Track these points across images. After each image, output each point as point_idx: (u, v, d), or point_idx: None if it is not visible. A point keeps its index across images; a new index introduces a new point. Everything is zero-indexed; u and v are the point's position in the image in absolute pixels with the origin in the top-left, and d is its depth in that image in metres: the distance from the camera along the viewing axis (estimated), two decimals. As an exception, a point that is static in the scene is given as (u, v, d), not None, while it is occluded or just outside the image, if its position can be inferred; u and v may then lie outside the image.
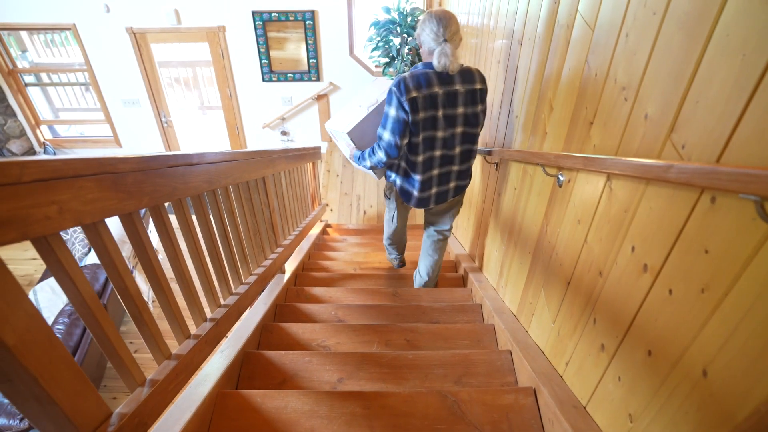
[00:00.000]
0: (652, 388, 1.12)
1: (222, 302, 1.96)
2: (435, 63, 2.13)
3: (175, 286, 1.55)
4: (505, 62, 2.57)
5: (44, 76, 7.61)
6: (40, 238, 0.91)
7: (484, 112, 2.34)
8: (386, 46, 5.55)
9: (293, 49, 6.50)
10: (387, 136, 2.27)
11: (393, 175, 2.60)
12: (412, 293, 3.00)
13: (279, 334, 2.37)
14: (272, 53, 6.50)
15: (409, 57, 5.53)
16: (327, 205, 5.85)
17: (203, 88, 8.21)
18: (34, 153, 7.34)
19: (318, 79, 6.70)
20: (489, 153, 2.79)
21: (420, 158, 2.36)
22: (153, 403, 1.29)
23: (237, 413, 1.73)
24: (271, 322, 2.49)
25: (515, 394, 1.79)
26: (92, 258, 4.82)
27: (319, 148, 4.92)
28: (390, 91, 2.20)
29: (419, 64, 2.24)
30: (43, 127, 7.38)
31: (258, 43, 6.41)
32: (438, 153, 2.37)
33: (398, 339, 2.35)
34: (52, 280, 4.59)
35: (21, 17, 6.24)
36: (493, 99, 2.86)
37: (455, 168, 2.48)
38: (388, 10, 5.36)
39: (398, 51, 5.53)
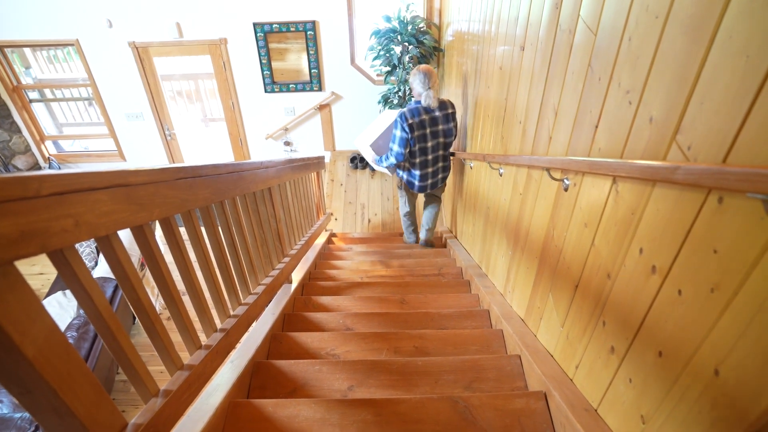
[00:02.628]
0: (664, 389, 1.12)
1: (232, 312, 1.97)
2: (422, 102, 3.62)
3: (185, 298, 1.56)
4: (507, 68, 2.59)
5: (48, 92, 7.67)
6: (56, 251, 0.92)
7: (455, 126, 3.84)
8: (387, 55, 5.58)
9: (295, 60, 6.53)
10: (396, 148, 3.77)
11: (401, 173, 4.10)
12: (420, 300, 3.00)
13: (288, 343, 2.38)
14: (274, 64, 6.54)
15: (411, 65, 5.55)
16: (332, 214, 5.87)
17: (206, 101, 8.26)
18: (39, 168, 7.38)
19: (320, 89, 6.73)
20: (492, 158, 2.80)
21: (417, 160, 3.88)
22: (167, 414, 1.29)
23: (249, 423, 1.73)
24: (280, 332, 2.50)
25: (526, 399, 1.79)
26: (98, 272, 4.84)
27: (322, 157, 4.94)
28: (396, 121, 3.70)
29: (413, 102, 3.69)
30: (48, 143, 7.43)
31: (259, 55, 6.45)
32: (429, 156, 3.88)
33: (407, 346, 2.35)
34: (59, 295, 4.62)
35: (24, 34, 6.30)
36: (496, 106, 2.88)
37: (440, 165, 4.01)
38: (388, 19, 5.39)
39: (399, 59, 5.56)
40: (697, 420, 1.00)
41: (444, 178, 4.13)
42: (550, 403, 1.75)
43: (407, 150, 3.73)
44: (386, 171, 4.16)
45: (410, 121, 3.60)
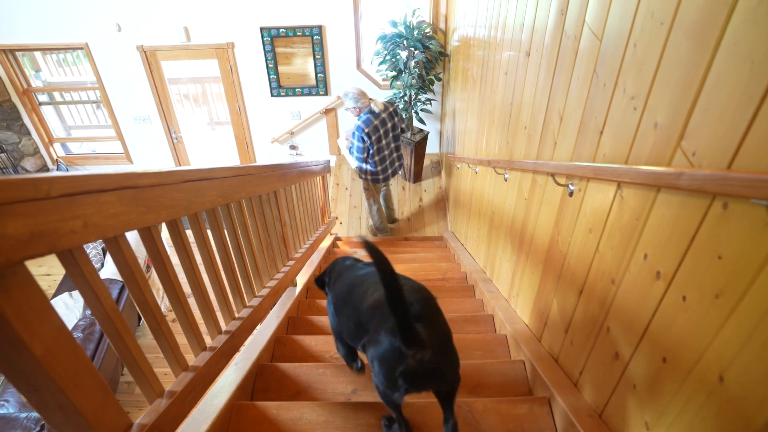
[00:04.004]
0: (668, 396, 1.12)
1: (236, 315, 1.98)
2: (373, 108, 4.48)
3: (191, 299, 1.57)
4: (513, 73, 2.59)
5: (57, 95, 7.73)
6: (65, 252, 0.93)
7: (401, 120, 4.89)
8: (393, 60, 5.59)
9: (301, 64, 6.56)
10: (356, 154, 4.68)
11: (365, 166, 4.80)
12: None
13: (292, 346, 2.38)
14: (280, 68, 6.57)
15: (416, 70, 5.57)
16: (336, 218, 5.88)
17: (212, 104, 8.30)
18: (48, 170, 7.43)
19: (326, 93, 6.75)
20: (498, 163, 2.80)
21: (377, 158, 4.72)
22: (172, 414, 1.30)
23: (253, 425, 1.74)
24: (284, 335, 2.50)
25: (530, 404, 1.79)
26: (104, 273, 4.86)
27: (328, 161, 4.96)
28: (354, 134, 4.54)
29: (363, 114, 4.49)
30: (56, 145, 7.49)
31: (266, 59, 6.48)
32: (386, 152, 4.78)
33: (411, 350, 2.34)
34: (65, 296, 4.64)
35: (35, 38, 6.36)
36: (501, 111, 2.88)
37: (395, 155, 4.96)
38: (394, 24, 5.41)
39: (405, 64, 5.57)
40: (701, 427, 1.00)
41: (400, 166, 5.13)
42: (553, 408, 1.74)
43: (366, 154, 4.63)
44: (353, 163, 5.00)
45: (366, 131, 4.42)
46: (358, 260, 2.02)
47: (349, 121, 6.99)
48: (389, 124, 4.64)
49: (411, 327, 1.19)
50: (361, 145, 4.53)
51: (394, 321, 1.19)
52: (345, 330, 1.74)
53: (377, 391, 1.46)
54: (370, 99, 4.52)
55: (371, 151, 4.61)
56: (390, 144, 4.77)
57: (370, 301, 1.54)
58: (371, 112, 4.48)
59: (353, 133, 4.53)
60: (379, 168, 4.81)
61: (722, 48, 0.94)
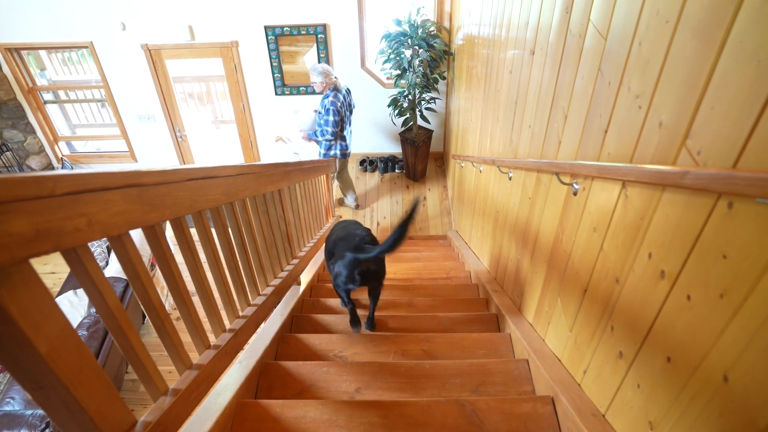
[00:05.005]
0: (673, 395, 1.12)
1: (240, 313, 1.98)
2: (339, 86, 4.96)
3: (195, 298, 1.57)
4: (517, 72, 2.59)
5: (62, 94, 7.76)
6: (70, 250, 0.93)
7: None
8: (398, 58, 5.58)
9: (305, 63, 6.56)
10: (330, 129, 4.95)
11: (334, 150, 5.24)
12: (428, 303, 3.01)
13: (296, 344, 2.39)
14: (284, 67, 6.57)
15: (421, 69, 5.56)
16: (341, 217, 5.88)
17: (217, 103, 8.31)
18: (53, 169, 7.46)
19: (330, 91, 6.75)
20: (502, 162, 2.80)
21: (345, 132, 5.17)
22: (176, 412, 1.31)
23: (256, 423, 1.74)
24: (288, 333, 2.50)
25: (533, 403, 1.79)
26: (109, 271, 4.88)
27: (332, 160, 4.96)
28: (329, 110, 4.86)
29: (330, 92, 4.89)
30: (61, 143, 7.51)
31: (270, 57, 6.48)
32: (350, 128, 5.34)
33: (415, 349, 2.35)
34: (70, 294, 4.66)
35: (40, 37, 6.38)
36: (506, 109, 2.88)
37: (351, 128, 5.40)
38: (399, 23, 5.40)
39: (409, 63, 5.56)
40: (705, 427, 1.00)
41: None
42: (557, 407, 1.74)
43: (339, 128, 5.02)
44: (311, 144, 5.59)
45: (339, 106, 4.89)
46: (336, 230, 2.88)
47: (356, 120, 6.97)
48: (348, 101, 5.13)
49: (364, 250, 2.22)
50: (336, 119, 4.89)
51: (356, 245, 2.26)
52: (330, 265, 2.60)
53: (336, 287, 2.43)
54: (336, 77, 4.92)
55: (345, 128, 5.16)
56: (350, 120, 5.32)
57: (335, 239, 2.57)
58: (337, 89, 4.91)
59: (327, 110, 4.84)
60: (347, 142, 5.31)
61: (728, 46, 0.93)
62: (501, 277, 3.00)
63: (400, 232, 1.92)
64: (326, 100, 4.88)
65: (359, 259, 2.21)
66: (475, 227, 4.02)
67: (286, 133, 5.67)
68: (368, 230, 2.64)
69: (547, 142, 2.10)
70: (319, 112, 5.01)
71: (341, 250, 2.34)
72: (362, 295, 2.69)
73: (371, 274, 2.34)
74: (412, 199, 3.35)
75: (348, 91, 5.16)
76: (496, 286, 3.01)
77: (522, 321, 2.38)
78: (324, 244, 3.08)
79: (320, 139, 5.15)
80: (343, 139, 5.21)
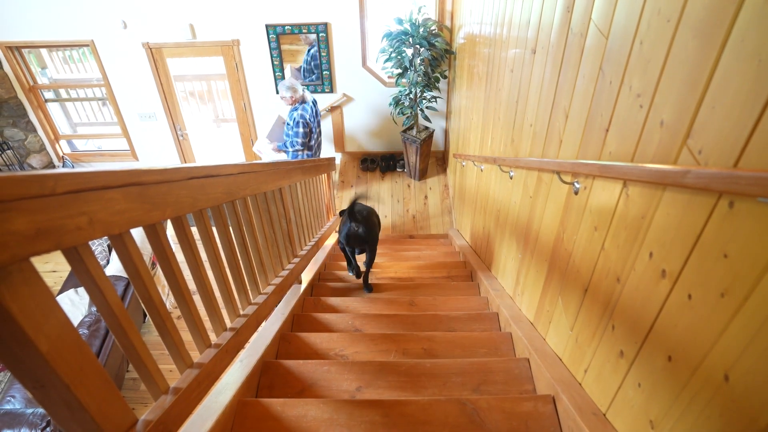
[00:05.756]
0: (673, 394, 1.12)
1: (241, 312, 1.98)
2: (308, 100, 5.13)
3: (196, 297, 1.57)
4: (518, 71, 2.59)
5: (63, 92, 7.76)
6: (71, 249, 0.93)
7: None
8: (399, 57, 5.58)
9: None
10: (301, 140, 5.11)
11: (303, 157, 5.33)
12: (429, 302, 3.01)
13: (297, 343, 2.39)
14: (286, 66, 6.57)
15: (422, 67, 5.56)
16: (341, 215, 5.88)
17: (218, 101, 8.30)
18: (54, 167, 7.46)
19: (331, 90, 6.75)
20: (503, 161, 2.80)
21: (314, 143, 5.33)
22: (177, 411, 1.31)
23: (257, 422, 1.75)
24: (289, 332, 2.51)
25: (534, 402, 1.79)
26: (110, 270, 4.89)
27: (333, 159, 4.97)
28: (300, 122, 5.03)
29: (299, 105, 5.06)
30: (62, 142, 7.52)
31: (272, 56, 6.48)
32: (320, 139, 5.52)
33: (415, 348, 2.35)
34: (71, 292, 4.66)
35: (41, 35, 6.38)
36: (507, 108, 2.88)
37: (320, 140, 5.61)
38: (400, 21, 5.39)
39: (411, 62, 5.56)
40: (706, 426, 1.00)
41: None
42: (558, 406, 1.74)
43: (308, 139, 5.18)
44: (282, 155, 5.53)
45: (308, 118, 5.08)
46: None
47: (357, 119, 7.00)
48: (315, 111, 5.31)
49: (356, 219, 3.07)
50: (305, 131, 5.09)
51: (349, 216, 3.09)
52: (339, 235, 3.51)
53: (340, 247, 3.49)
54: (303, 89, 5.11)
55: (312, 138, 5.30)
56: (318, 131, 5.44)
57: (349, 210, 3.13)
58: (305, 101, 5.11)
59: (297, 122, 5.03)
60: (313, 152, 5.47)
61: (729, 46, 0.93)
62: (502, 276, 3.00)
63: (354, 201, 3.12)
64: (296, 113, 5.07)
65: (350, 224, 3.21)
66: (477, 226, 4.02)
67: (258, 147, 5.72)
68: (370, 208, 3.57)
69: (548, 141, 2.10)
70: (288, 124, 5.19)
71: (342, 222, 3.37)
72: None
73: (359, 237, 3.26)
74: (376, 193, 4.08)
75: (314, 102, 5.33)
76: (497, 284, 3.01)
77: (523, 319, 2.38)
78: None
79: (289, 149, 5.31)
80: (310, 149, 5.37)
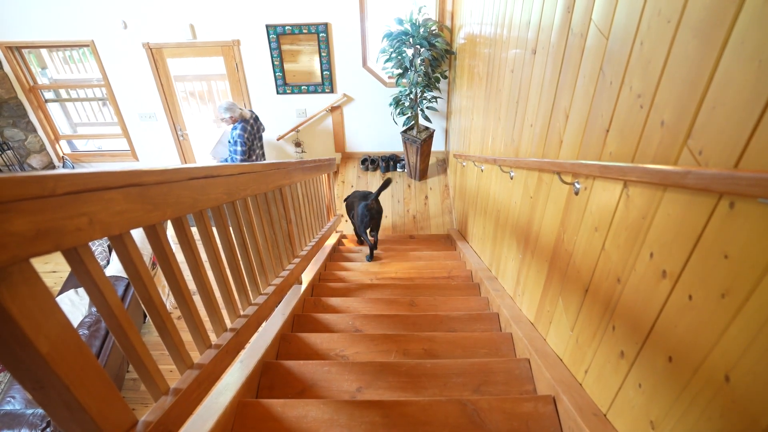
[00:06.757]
0: (674, 395, 1.11)
1: (242, 312, 1.98)
2: (246, 116, 5.38)
3: (196, 297, 1.57)
4: (519, 71, 2.58)
5: (63, 92, 7.76)
6: (71, 249, 0.93)
7: (260, 123, 5.74)
8: (399, 57, 5.58)
9: (307, 62, 6.57)
10: (239, 157, 5.37)
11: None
12: (429, 302, 3.01)
13: (297, 344, 2.39)
14: (286, 66, 6.57)
15: (422, 68, 5.56)
16: (342, 215, 5.88)
17: (218, 101, 8.29)
18: (54, 168, 7.47)
19: (332, 90, 6.75)
20: (503, 161, 2.80)
21: (254, 156, 5.60)
22: (177, 412, 1.31)
23: (258, 422, 1.74)
24: (290, 332, 2.51)
25: (535, 402, 1.79)
26: (110, 270, 4.88)
27: (333, 159, 4.96)
28: (237, 141, 5.29)
29: (238, 124, 5.31)
30: (62, 142, 7.52)
31: (272, 56, 6.48)
32: (259, 152, 5.76)
33: (416, 348, 2.35)
34: (71, 293, 4.66)
35: (41, 35, 6.38)
36: (507, 109, 2.88)
37: (261, 152, 5.87)
38: (400, 22, 5.40)
39: (411, 62, 5.56)
40: (706, 427, 1.00)
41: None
42: (558, 407, 1.74)
43: (246, 156, 5.43)
44: None
45: (247, 136, 5.35)
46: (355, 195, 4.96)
47: (357, 119, 7.00)
48: (256, 127, 5.58)
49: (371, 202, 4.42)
50: (243, 148, 5.36)
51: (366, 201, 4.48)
52: (350, 215, 5.05)
53: (356, 228, 5.03)
54: (240, 109, 5.36)
55: (251, 153, 5.56)
56: (259, 144, 5.78)
57: (354, 200, 4.69)
58: (244, 120, 5.36)
59: (236, 141, 5.32)
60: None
61: (729, 46, 0.93)
62: (502, 277, 3.00)
63: (381, 189, 4.41)
64: (234, 132, 5.34)
65: (368, 203, 4.45)
66: (477, 226, 4.02)
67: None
68: (372, 193, 4.61)
69: (548, 141, 2.10)
70: (230, 141, 5.46)
71: (360, 203, 4.52)
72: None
73: (380, 212, 4.61)
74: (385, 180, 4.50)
75: (256, 118, 5.62)
76: (498, 285, 3.01)
77: (523, 320, 2.38)
78: (345, 206, 5.29)
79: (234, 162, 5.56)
80: (253, 161, 5.66)
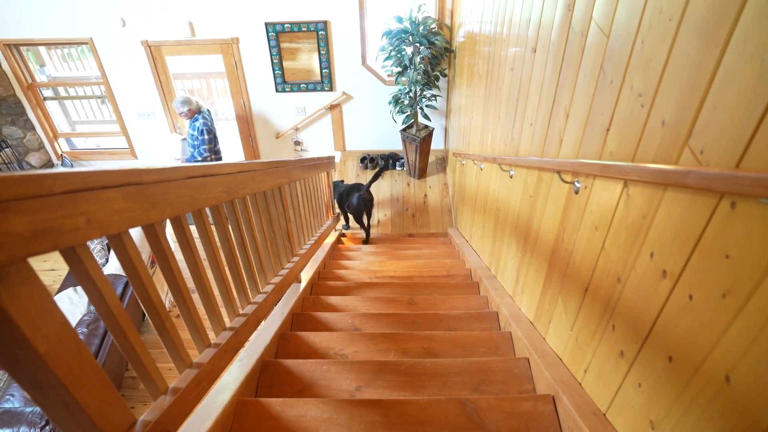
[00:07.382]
0: (674, 395, 1.11)
1: (240, 311, 1.98)
2: (206, 111, 5.43)
3: (195, 296, 1.57)
4: (519, 70, 2.58)
5: (61, 90, 7.74)
6: (69, 249, 0.93)
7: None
8: (399, 56, 5.58)
9: (306, 60, 6.56)
10: (208, 146, 5.41)
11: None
12: (429, 301, 3.00)
13: (296, 342, 2.38)
14: (285, 64, 6.56)
15: (422, 66, 5.55)
16: (341, 214, 5.88)
17: (217, 100, 8.30)
18: (52, 165, 7.46)
19: (331, 89, 6.75)
20: (503, 160, 2.79)
21: (218, 146, 5.63)
22: (176, 411, 1.30)
23: (257, 421, 1.74)
24: (289, 331, 2.50)
25: (534, 402, 1.79)
26: (108, 269, 4.88)
27: (333, 157, 4.95)
28: (203, 131, 5.32)
29: (198, 115, 5.37)
30: (61, 140, 7.51)
31: (271, 54, 6.47)
32: (219, 145, 5.75)
33: (415, 347, 2.35)
34: (70, 291, 4.65)
35: (40, 33, 6.37)
36: (507, 107, 2.87)
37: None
38: (400, 20, 5.39)
39: (410, 60, 5.55)
40: (707, 427, 0.99)
41: None
42: (558, 406, 1.74)
43: (212, 145, 5.46)
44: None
45: (211, 125, 5.41)
46: (341, 181, 5.79)
47: (357, 117, 7.00)
48: (211, 118, 5.60)
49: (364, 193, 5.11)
50: (210, 137, 5.40)
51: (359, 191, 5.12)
52: (341, 205, 5.48)
53: (352, 216, 5.32)
54: (196, 100, 5.36)
55: (217, 143, 5.63)
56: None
57: (347, 190, 5.31)
58: (201, 111, 5.41)
59: (201, 131, 5.34)
60: (220, 156, 5.80)
61: (731, 45, 0.93)
62: (502, 276, 3.00)
63: (373, 179, 5.06)
64: (197, 123, 5.35)
65: (362, 194, 5.00)
66: (476, 225, 4.02)
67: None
68: (363, 184, 5.21)
69: (548, 140, 2.09)
70: (192, 135, 5.44)
71: (354, 194, 5.10)
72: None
73: (368, 201, 5.18)
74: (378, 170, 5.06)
75: (208, 111, 5.59)
76: (497, 284, 3.01)
77: (522, 319, 2.38)
78: (334, 194, 5.47)
79: (198, 159, 5.50)
80: (217, 153, 5.67)
